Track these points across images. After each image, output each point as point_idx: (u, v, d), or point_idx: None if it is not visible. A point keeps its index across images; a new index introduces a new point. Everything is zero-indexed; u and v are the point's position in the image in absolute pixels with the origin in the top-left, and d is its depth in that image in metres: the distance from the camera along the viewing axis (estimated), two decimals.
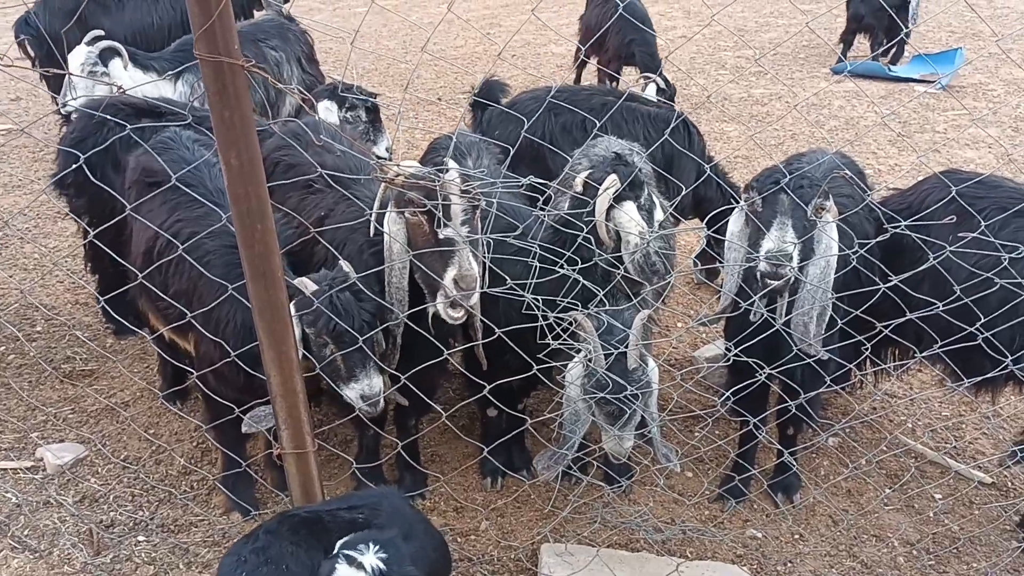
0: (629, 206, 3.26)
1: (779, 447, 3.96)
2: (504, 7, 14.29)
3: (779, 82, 10.10)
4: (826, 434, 4.06)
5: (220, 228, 3.14)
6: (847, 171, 3.48)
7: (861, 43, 11.17)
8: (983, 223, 2.95)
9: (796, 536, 3.87)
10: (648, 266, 3.25)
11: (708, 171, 4.82)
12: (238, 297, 2.89)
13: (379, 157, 4.59)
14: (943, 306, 2.87)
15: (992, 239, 3.06)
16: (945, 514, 3.99)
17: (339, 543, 2.19)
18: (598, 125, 3.36)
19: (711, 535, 3.81)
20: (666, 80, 8.00)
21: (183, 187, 3.16)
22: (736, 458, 3.99)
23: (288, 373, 2.77)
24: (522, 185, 2.90)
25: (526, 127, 2.93)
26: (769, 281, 3.04)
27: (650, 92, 7.64)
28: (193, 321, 3.06)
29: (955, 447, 4.40)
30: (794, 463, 3.93)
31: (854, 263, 3.06)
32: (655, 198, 3.37)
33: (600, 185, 3.26)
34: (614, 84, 8.65)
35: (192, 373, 3.37)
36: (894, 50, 10.69)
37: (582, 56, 9.45)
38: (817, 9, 13.48)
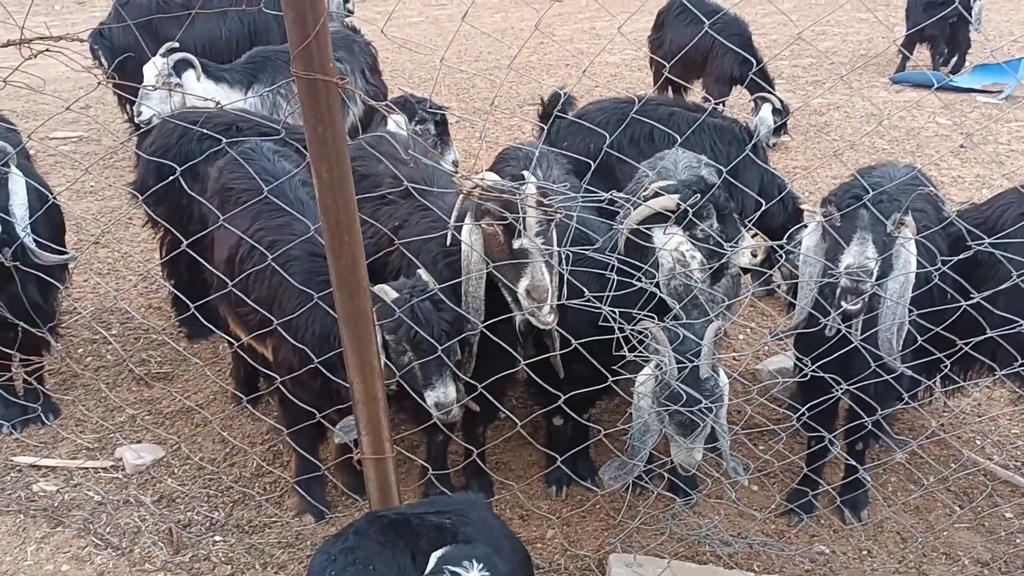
0: (672, 233, 3.24)
1: (848, 462, 3.93)
2: (557, 16, 14.38)
3: (837, 92, 10.00)
4: (901, 451, 4.01)
5: (300, 237, 3.23)
6: (929, 187, 3.45)
7: (920, 53, 11.01)
8: None
9: (864, 552, 3.83)
10: (689, 299, 3.22)
11: (787, 187, 4.80)
12: (321, 305, 2.97)
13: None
14: None
15: None
16: (1019, 533, 3.92)
17: (436, 556, 2.21)
18: (679, 141, 3.36)
19: (778, 549, 3.79)
20: (782, 100, 7.50)
21: (267, 196, 3.25)
22: (808, 472, 3.97)
23: (370, 380, 2.83)
24: (604, 200, 2.93)
25: (607, 143, 2.96)
26: (849, 306, 3.02)
27: (766, 113, 7.28)
28: (279, 328, 3.15)
29: None
30: (867, 479, 3.89)
31: (936, 280, 3.03)
32: (739, 236, 3.32)
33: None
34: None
35: (273, 378, 3.46)
36: (955, 59, 10.51)
37: (665, 76, 8.70)
38: (872, 18, 13.31)
